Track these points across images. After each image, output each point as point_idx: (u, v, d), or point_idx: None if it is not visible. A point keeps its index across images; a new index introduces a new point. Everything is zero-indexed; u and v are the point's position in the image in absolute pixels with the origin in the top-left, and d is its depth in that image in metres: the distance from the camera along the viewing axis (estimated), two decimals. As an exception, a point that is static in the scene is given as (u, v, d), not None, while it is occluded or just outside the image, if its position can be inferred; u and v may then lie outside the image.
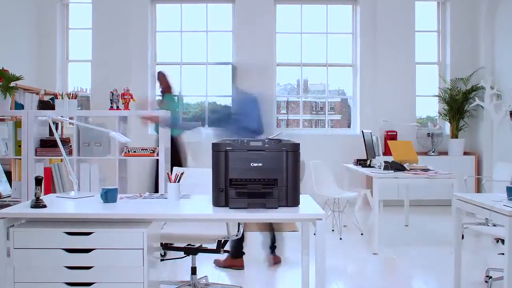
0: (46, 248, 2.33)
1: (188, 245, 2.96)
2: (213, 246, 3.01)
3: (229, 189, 2.45)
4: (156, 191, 4.38)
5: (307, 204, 2.60)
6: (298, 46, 7.90)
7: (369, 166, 5.35)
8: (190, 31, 7.90)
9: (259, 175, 2.47)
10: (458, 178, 4.69)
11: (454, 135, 7.46)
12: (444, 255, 4.53)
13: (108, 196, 2.62)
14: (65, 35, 7.75)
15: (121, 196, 2.85)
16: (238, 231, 3.04)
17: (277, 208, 2.44)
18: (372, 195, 7.12)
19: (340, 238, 5.10)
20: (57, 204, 2.62)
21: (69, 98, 4.39)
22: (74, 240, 2.33)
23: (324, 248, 2.30)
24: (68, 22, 7.78)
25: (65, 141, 4.39)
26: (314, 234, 2.36)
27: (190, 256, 3.10)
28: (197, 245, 2.99)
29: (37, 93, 6.31)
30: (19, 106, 5.38)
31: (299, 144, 2.52)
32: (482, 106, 7.22)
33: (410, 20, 7.61)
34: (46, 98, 5.66)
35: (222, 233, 2.99)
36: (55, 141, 4.36)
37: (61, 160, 4.40)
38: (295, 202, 2.49)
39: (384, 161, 4.89)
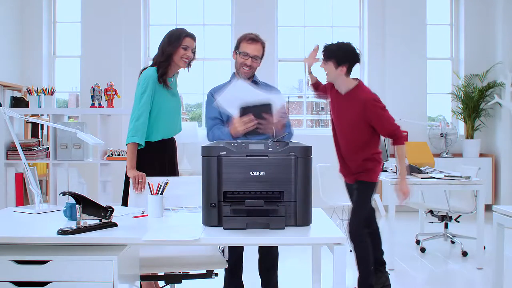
0: (-11, 282, 1.82)
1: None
2: (201, 270, 2.49)
3: (223, 205, 1.93)
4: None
5: (321, 222, 2.09)
6: (301, 41, 7.39)
7: (382, 170, 4.84)
8: (186, 25, 7.37)
9: (261, 187, 1.95)
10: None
11: (469, 135, 6.95)
12: (469, 271, 4.03)
13: (73, 212, 2.11)
14: (52, 29, 7.23)
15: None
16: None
17: (283, 228, 1.93)
18: (381, 199, 6.65)
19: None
20: (9, 222, 2.12)
21: (45, 94, 3.88)
22: (25, 270, 1.82)
23: (345, 283, 1.79)
24: (55, 15, 7.27)
25: (30, 145, 3.85)
26: (322, 245, 1.89)
27: (169, 285, 2.57)
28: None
29: (19, 91, 5.83)
30: (-3, 104, 4.89)
31: (310, 147, 2.00)
32: (500, 104, 6.70)
33: (421, 12, 7.09)
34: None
35: (215, 254, 2.48)
36: (32, 143, 3.87)
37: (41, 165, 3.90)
38: (306, 221, 1.98)
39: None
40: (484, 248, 4.15)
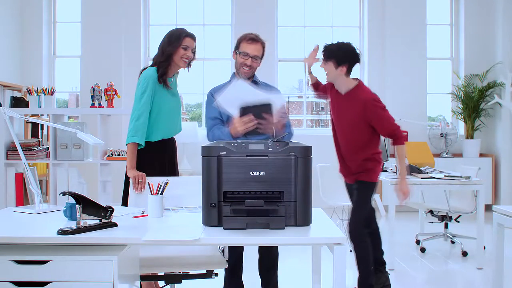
0: (-11, 282, 1.82)
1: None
2: (201, 270, 2.48)
3: (223, 205, 1.93)
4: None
5: (321, 222, 2.09)
6: (301, 41, 7.39)
7: (382, 170, 4.84)
8: (186, 25, 7.37)
9: (261, 187, 1.95)
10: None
11: (469, 135, 6.94)
12: (469, 271, 4.03)
13: (73, 212, 2.11)
14: (52, 29, 7.23)
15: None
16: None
17: (283, 228, 1.93)
18: (381, 199, 6.65)
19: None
20: (9, 222, 2.12)
21: (45, 94, 3.88)
22: (25, 270, 1.82)
23: (345, 284, 1.79)
24: (55, 15, 7.26)
25: (30, 145, 3.84)
26: (322, 245, 1.89)
27: (169, 285, 2.57)
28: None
29: (19, 91, 5.83)
30: (-3, 104, 4.89)
31: (310, 147, 2.00)
32: (500, 104, 6.70)
33: (421, 12, 7.09)
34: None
35: (215, 254, 2.48)
36: (32, 143, 3.87)
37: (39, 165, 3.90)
38: (306, 221, 1.98)
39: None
40: (484, 248, 4.15)
